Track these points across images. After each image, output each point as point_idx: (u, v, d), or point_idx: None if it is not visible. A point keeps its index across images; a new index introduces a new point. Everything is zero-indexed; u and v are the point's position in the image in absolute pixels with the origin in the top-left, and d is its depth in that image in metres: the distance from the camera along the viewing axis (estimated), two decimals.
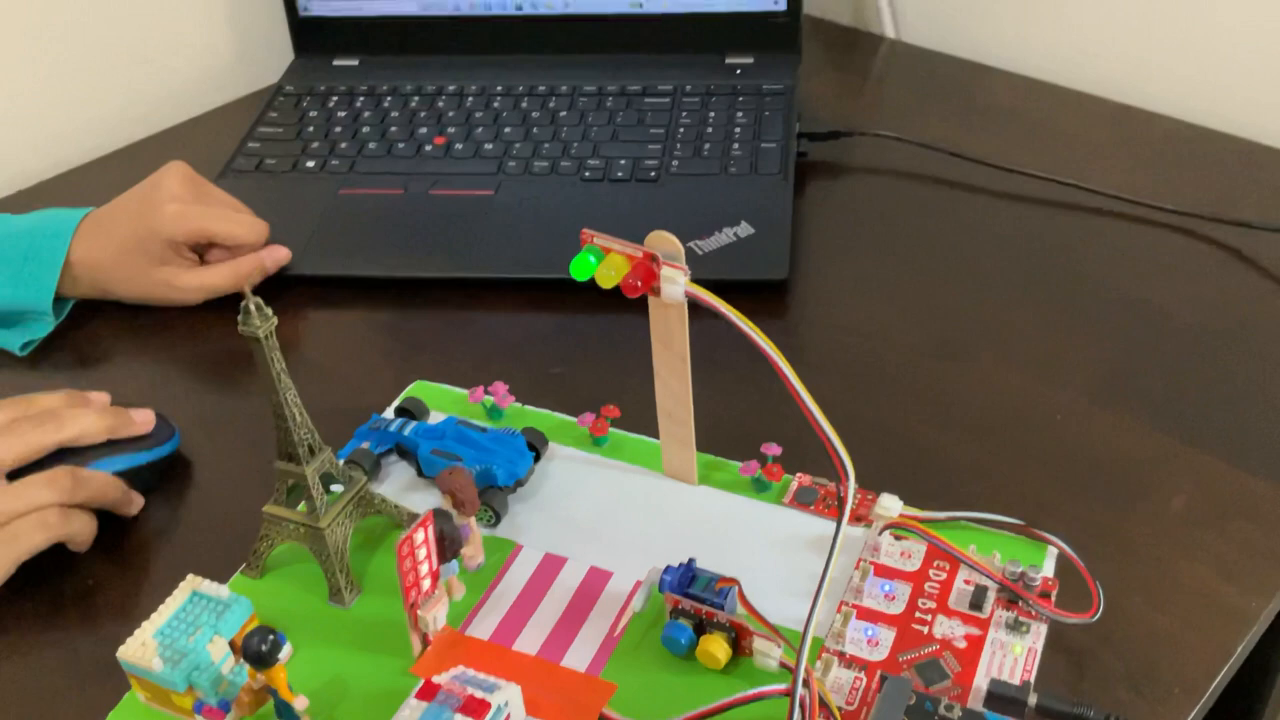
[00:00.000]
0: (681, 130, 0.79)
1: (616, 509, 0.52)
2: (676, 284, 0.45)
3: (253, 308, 0.43)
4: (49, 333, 0.66)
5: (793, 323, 0.66)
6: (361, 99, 0.84)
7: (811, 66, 0.88)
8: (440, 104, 0.83)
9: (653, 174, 0.75)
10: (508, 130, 0.80)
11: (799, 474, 0.53)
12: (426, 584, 0.45)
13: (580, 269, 0.46)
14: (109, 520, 0.54)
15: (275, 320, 0.44)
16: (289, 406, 0.45)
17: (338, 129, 0.81)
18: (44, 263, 0.65)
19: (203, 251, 0.68)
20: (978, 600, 0.46)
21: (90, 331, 0.67)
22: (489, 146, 0.79)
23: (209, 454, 0.59)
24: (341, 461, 0.52)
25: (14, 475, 0.51)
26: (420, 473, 0.54)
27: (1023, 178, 0.74)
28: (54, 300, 0.65)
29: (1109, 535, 0.51)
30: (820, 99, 0.86)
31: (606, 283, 0.46)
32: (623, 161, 0.76)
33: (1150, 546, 0.51)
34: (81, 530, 0.52)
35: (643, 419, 0.54)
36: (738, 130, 0.79)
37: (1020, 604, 0.46)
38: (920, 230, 0.72)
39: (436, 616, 0.45)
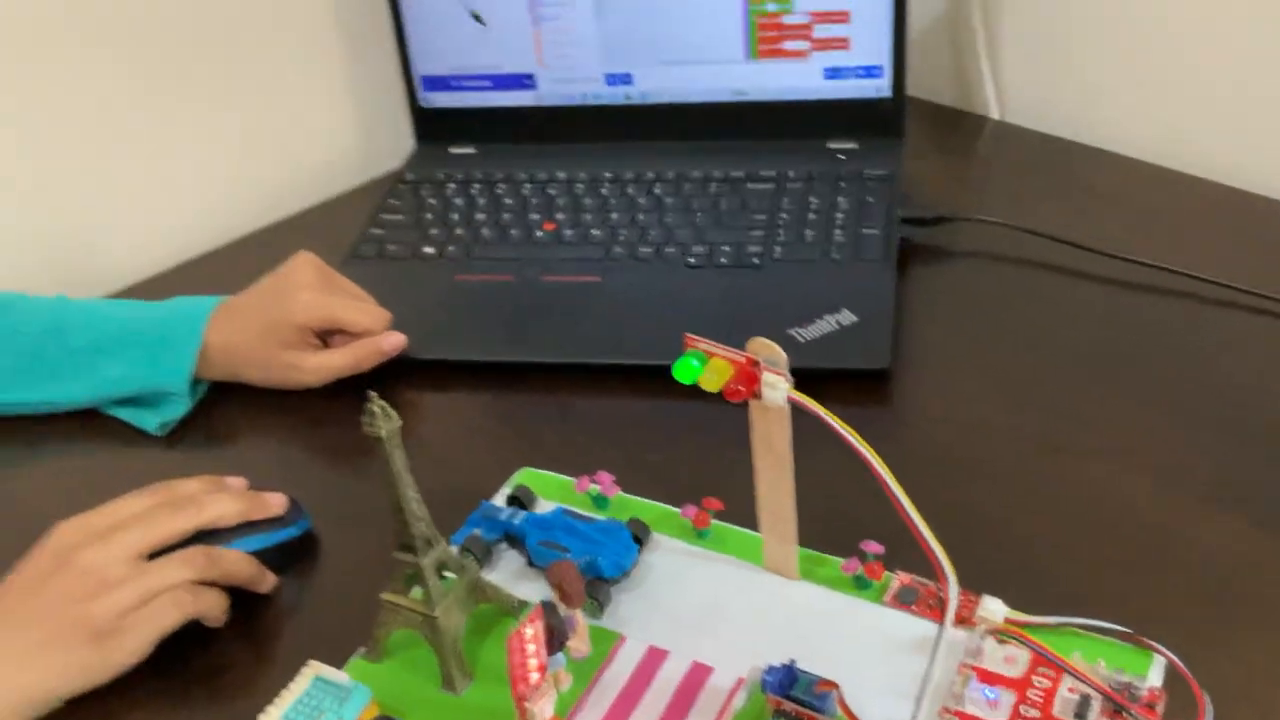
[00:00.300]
0: (784, 216, 0.81)
1: (718, 603, 0.53)
2: (778, 390, 0.46)
3: (377, 410, 0.46)
4: (185, 413, 0.70)
5: (895, 413, 0.66)
6: (477, 186, 0.88)
7: (915, 149, 0.89)
8: (551, 191, 0.86)
9: (755, 260, 0.77)
10: (614, 217, 0.83)
11: (899, 572, 0.53)
12: (535, 677, 0.46)
13: (684, 373, 0.47)
14: (240, 600, 0.57)
15: (399, 422, 0.46)
16: (408, 502, 0.48)
17: (454, 216, 0.85)
18: (180, 346, 0.69)
19: (326, 338, 0.72)
20: (1082, 710, 0.46)
21: (224, 412, 0.71)
22: (596, 233, 0.81)
23: (336, 536, 0.62)
24: (455, 548, 0.54)
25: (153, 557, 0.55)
26: (530, 562, 0.56)
27: (1133, 265, 0.74)
28: (191, 383, 0.69)
29: (1219, 644, 0.50)
30: (924, 182, 0.87)
31: (710, 387, 0.47)
32: (726, 247, 0.78)
33: (1262, 657, 0.50)
34: (214, 606, 0.55)
35: (745, 509, 0.55)
36: (840, 216, 0.80)
37: (1125, 715, 0.46)
38: (1027, 319, 0.72)
39: (544, 708, 0.47)
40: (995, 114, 0.95)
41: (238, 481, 0.60)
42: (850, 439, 0.45)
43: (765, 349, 0.47)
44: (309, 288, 0.70)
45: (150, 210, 0.88)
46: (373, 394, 0.46)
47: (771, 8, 0.84)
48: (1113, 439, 0.62)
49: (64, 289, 0.76)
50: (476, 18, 0.88)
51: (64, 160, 0.83)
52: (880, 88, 0.86)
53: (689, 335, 0.48)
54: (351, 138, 0.98)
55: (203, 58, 0.88)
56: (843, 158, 0.86)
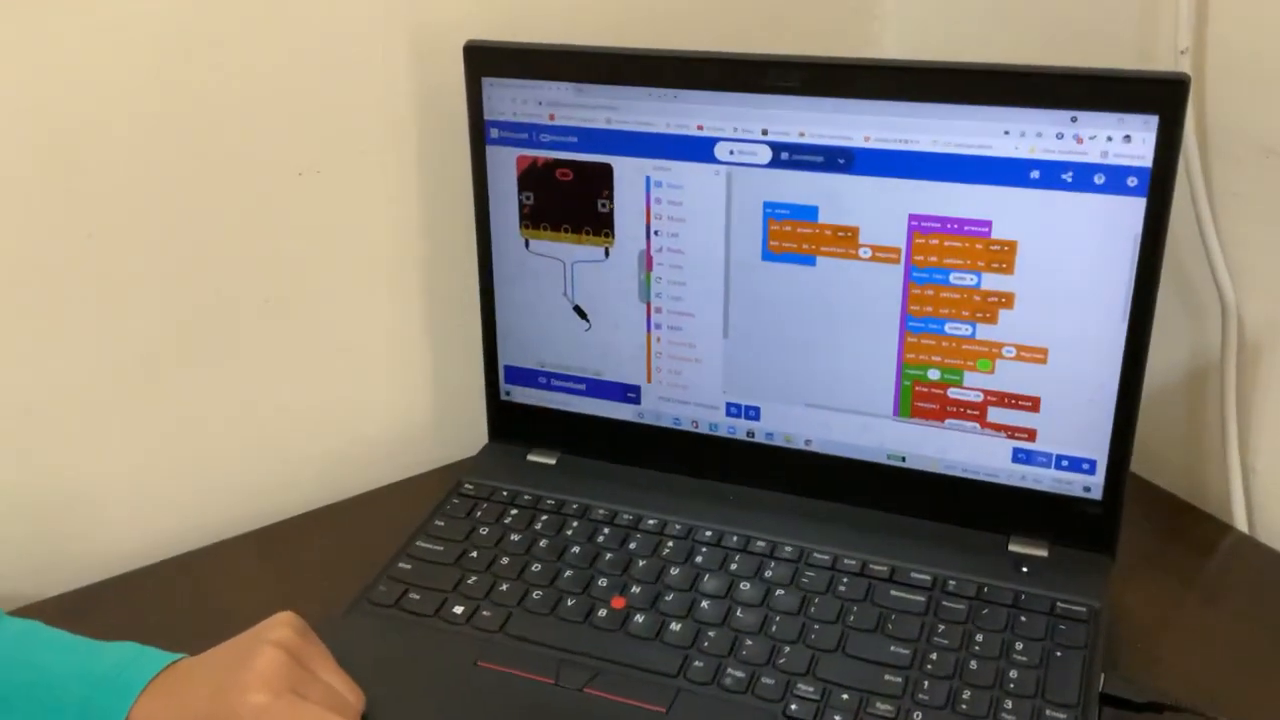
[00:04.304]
0: (934, 658, 0.58)
1: None
2: None
3: None
4: None
5: None
6: (546, 516, 0.69)
7: (1127, 559, 0.65)
8: (633, 544, 0.67)
9: None
10: (704, 606, 0.62)
11: None
12: None
13: None
14: None
15: None
16: None
17: (504, 560, 0.66)
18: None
19: None
20: None
21: None
22: (676, 628, 0.61)
23: None
24: None
25: None
26: None
27: None
28: None
29: None
30: (1134, 621, 0.63)
31: None
32: (845, 696, 0.56)
33: None
34: None
35: None
36: (1014, 675, 0.57)
37: None
38: None
39: None
40: (1242, 526, 0.70)
41: None
42: None
43: None
44: (268, 683, 0.52)
45: (162, 483, 0.73)
46: None
47: (934, 375, 0.63)
48: None
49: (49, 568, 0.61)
50: (579, 312, 0.71)
51: (70, 420, 0.69)
52: (1089, 486, 0.63)
53: None
54: (420, 421, 0.81)
55: (259, 313, 0.73)
56: (1026, 570, 0.63)
